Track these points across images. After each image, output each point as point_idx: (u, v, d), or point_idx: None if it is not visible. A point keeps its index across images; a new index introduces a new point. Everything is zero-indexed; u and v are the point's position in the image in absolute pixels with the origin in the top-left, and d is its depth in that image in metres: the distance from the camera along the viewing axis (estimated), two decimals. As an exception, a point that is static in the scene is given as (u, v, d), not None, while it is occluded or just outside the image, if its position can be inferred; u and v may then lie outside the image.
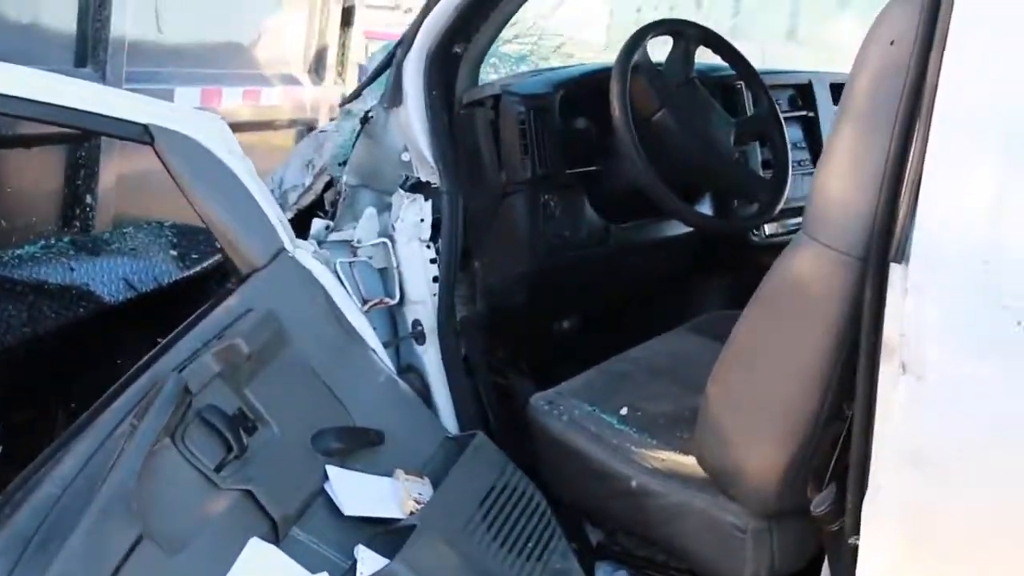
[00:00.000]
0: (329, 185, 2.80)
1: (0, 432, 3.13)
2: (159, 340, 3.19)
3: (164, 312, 3.10)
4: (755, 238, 3.16)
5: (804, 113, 3.38)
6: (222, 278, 3.50)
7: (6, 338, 2.57)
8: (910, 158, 1.68)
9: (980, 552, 1.70)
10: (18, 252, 2.74)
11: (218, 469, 1.86)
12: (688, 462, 2.21)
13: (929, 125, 1.64)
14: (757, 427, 2.02)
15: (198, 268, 3.28)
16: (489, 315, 2.66)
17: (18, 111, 1.99)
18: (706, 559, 2.19)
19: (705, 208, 3.00)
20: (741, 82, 3.09)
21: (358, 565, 1.91)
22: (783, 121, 3.03)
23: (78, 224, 3.00)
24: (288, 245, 2.23)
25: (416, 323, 2.55)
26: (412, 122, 2.54)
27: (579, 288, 2.89)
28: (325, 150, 2.78)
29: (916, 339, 1.65)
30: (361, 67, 4.09)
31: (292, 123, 4.05)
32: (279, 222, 2.25)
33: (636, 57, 2.63)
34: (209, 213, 2.16)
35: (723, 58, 2.98)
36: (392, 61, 2.58)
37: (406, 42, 2.54)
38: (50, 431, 2.95)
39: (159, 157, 2.12)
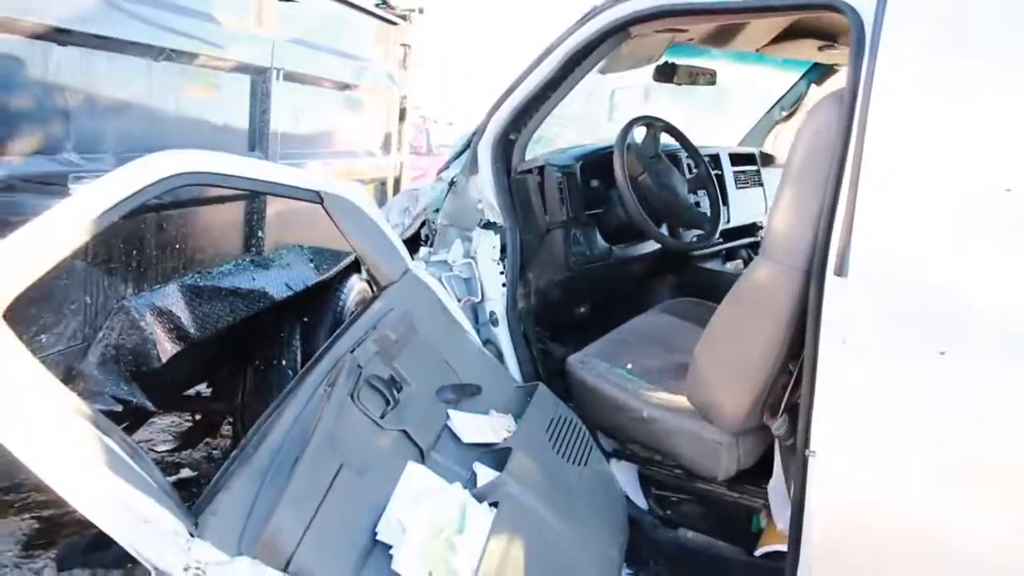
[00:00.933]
0: (423, 225, 2.99)
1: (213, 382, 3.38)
2: (305, 320, 3.41)
3: (311, 300, 3.35)
4: (695, 253, 3.59)
5: (717, 172, 3.73)
6: (341, 281, 3.71)
7: (217, 325, 2.70)
8: (838, 208, 1.88)
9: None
10: (220, 269, 2.86)
11: (382, 416, 2.00)
12: (680, 399, 2.40)
13: (856, 186, 1.83)
14: (731, 379, 2.21)
15: (328, 274, 3.46)
16: (538, 306, 2.87)
17: (236, 185, 2.14)
18: (694, 461, 2.39)
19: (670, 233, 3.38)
20: (685, 154, 3.46)
21: (477, 476, 2.06)
22: (713, 178, 3.44)
23: (254, 249, 3.13)
24: (411, 266, 2.41)
25: (492, 313, 2.75)
26: (485, 184, 2.75)
27: (592, 286, 3.16)
28: (420, 202, 2.99)
29: (854, 323, 1.86)
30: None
31: (372, 180, 4.28)
32: (404, 251, 2.43)
33: (628, 140, 2.99)
34: (360, 248, 2.31)
35: (676, 140, 3.36)
36: (469, 145, 2.80)
37: (479, 132, 2.76)
38: (243, 381, 3.25)
39: (327, 211, 2.25)
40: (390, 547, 1.81)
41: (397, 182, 4.67)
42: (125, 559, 2.79)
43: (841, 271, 1.84)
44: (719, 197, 3.40)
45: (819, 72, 3.96)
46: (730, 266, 3.65)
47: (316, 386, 2.02)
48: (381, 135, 4.40)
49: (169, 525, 1.68)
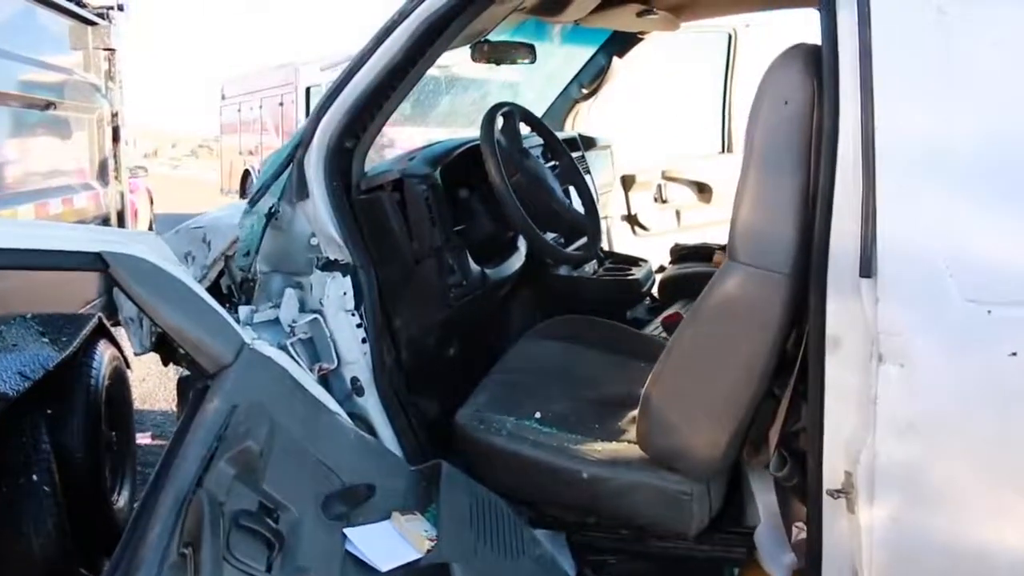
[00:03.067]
0: (221, 274, 2.30)
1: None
2: (50, 412, 2.65)
3: (54, 385, 2.64)
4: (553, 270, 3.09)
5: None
6: (86, 352, 2.96)
7: None
8: (838, 193, 1.51)
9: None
10: None
11: (268, 569, 1.41)
12: (626, 449, 1.96)
13: (871, 162, 1.45)
14: (701, 415, 1.81)
15: (71, 347, 2.77)
16: (410, 361, 2.26)
17: None
18: (657, 521, 1.95)
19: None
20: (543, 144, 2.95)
21: (417, 617, 1.53)
22: (581, 172, 2.96)
23: None
24: (247, 339, 1.76)
25: (354, 380, 2.12)
26: (319, 210, 2.10)
27: (468, 323, 2.57)
28: (216, 244, 2.27)
29: (892, 335, 1.47)
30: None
31: (95, 218, 3.61)
32: (231, 319, 1.77)
33: (495, 134, 2.43)
34: (172, 324, 1.65)
35: (532, 129, 2.83)
36: (290, 162, 2.12)
37: (304, 143, 2.09)
38: None
39: (114, 281, 1.61)
40: None
41: (120, 217, 3.90)
42: None
43: (868, 270, 1.45)
44: (593, 195, 2.92)
45: (621, 43, 3.60)
46: (587, 268, 3.22)
47: (163, 549, 1.36)
48: (96, 162, 3.63)
49: None
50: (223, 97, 16.33)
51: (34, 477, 2.53)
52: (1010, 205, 1.46)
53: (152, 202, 9.99)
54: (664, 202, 4.19)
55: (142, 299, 1.62)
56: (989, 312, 1.44)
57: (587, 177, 3.01)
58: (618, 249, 3.73)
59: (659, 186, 4.18)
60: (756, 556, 1.94)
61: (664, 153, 4.26)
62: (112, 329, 3.30)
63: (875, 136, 1.45)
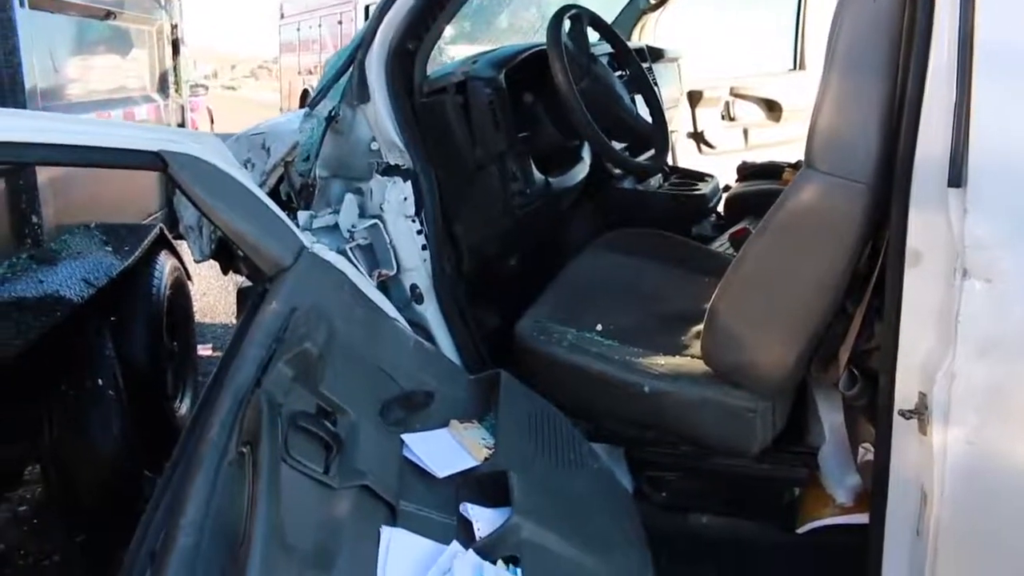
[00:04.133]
0: (279, 181, 2.28)
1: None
2: (113, 319, 2.70)
3: (117, 293, 2.71)
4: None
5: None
6: (148, 261, 3.00)
7: (3, 354, 2.10)
8: (927, 97, 1.42)
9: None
10: None
11: (326, 471, 1.40)
12: (691, 363, 1.92)
13: (968, 64, 1.36)
14: (770, 330, 1.76)
15: (133, 256, 2.82)
16: (472, 270, 2.24)
17: (40, 158, 1.59)
18: (719, 437, 1.92)
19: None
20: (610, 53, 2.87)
21: (474, 525, 1.49)
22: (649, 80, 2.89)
23: (30, 240, 2.43)
24: (306, 243, 1.74)
25: (414, 287, 2.10)
26: (380, 113, 2.05)
27: (530, 233, 2.54)
28: (275, 150, 2.26)
29: (980, 249, 1.40)
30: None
31: None
32: (291, 222, 1.75)
33: (563, 38, 2.35)
34: (230, 225, 1.63)
35: (600, 34, 2.77)
36: (351, 64, 2.08)
37: (365, 44, 2.04)
38: (48, 414, 2.54)
39: (173, 180, 1.59)
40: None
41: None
42: None
43: (957, 180, 1.37)
44: (660, 102, 2.82)
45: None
46: (652, 182, 3.15)
47: (223, 447, 1.36)
48: (156, 75, 3.63)
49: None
50: (282, 16, 16.33)
51: (99, 381, 2.61)
52: None
53: (212, 121, 10.04)
54: (732, 120, 4.06)
55: (200, 199, 1.60)
56: None
57: (655, 90, 2.92)
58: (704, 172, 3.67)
59: (727, 103, 4.05)
60: (818, 477, 1.92)
61: (733, 69, 4.13)
62: (174, 243, 3.34)
63: (974, 36, 1.36)
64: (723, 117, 4.06)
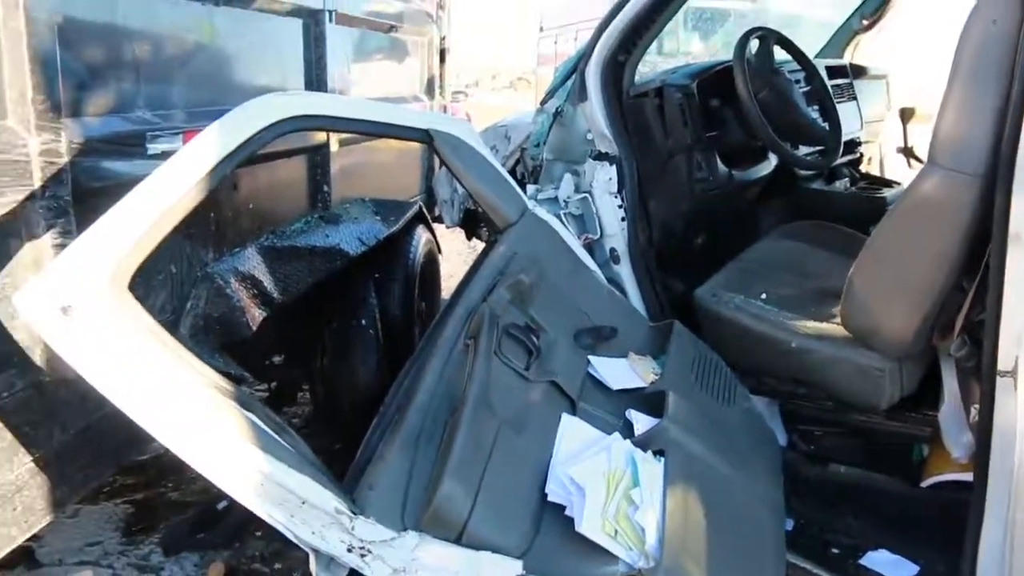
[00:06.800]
0: (517, 162, 2.81)
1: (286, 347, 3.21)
2: (376, 276, 3.28)
3: (381, 255, 3.22)
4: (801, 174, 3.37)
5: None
6: (408, 232, 3.58)
7: (298, 286, 2.58)
8: None
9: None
10: (292, 228, 2.74)
11: (527, 368, 1.86)
12: (832, 327, 2.26)
13: None
14: (896, 299, 2.06)
15: (397, 225, 3.33)
16: (659, 241, 2.69)
17: (343, 128, 2.04)
18: (853, 392, 2.24)
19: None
20: (798, 68, 3.22)
21: (634, 424, 1.91)
22: (828, 92, 3.23)
23: (321, 205, 3.00)
24: (530, 205, 2.25)
25: (612, 250, 2.59)
26: (595, 110, 2.57)
27: (712, 215, 2.96)
28: (514, 138, 2.81)
29: None
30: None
31: None
32: (519, 190, 2.26)
33: (746, 54, 2.77)
34: (475, 187, 2.16)
35: (788, 52, 3.12)
36: (574, 71, 2.60)
37: (586, 55, 2.58)
38: (321, 344, 3.11)
39: (437, 152, 2.12)
40: (562, 507, 1.67)
41: (442, 128, 4.53)
42: (232, 538, 2.74)
43: None
44: (836, 112, 3.19)
45: (903, -28, 3.73)
46: (839, 185, 3.45)
47: (453, 341, 1.87)
48: (424, 79, 4.25)
49: (329, 504, 1.54)
50: (541, 29, 16.96)
51: (363, 322, 3.12)
52: None
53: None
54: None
55: (455, 167, 2.12)
56: None
57: (851, 103, 3.24)
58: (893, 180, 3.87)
59: None
60: (941, 436, 2.17)
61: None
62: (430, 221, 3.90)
63: None
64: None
